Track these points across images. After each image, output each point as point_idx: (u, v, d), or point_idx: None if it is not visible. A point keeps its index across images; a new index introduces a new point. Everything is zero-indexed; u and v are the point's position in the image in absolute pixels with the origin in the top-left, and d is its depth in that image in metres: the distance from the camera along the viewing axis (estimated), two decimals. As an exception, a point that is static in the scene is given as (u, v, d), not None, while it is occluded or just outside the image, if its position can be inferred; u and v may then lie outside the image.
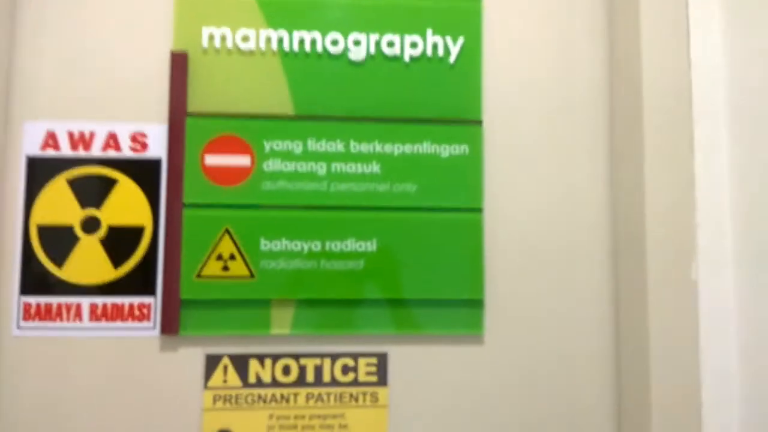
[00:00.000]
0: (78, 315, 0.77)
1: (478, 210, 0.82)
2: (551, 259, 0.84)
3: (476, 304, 0.82)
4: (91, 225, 0.78)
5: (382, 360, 0.81)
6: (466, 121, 0.83)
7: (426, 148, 0.82)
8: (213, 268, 0.79)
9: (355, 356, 0.81)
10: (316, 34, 0.82)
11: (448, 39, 0.84)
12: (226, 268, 0.79)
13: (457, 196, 0.82)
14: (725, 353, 0.74)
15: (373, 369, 0.81)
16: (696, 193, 0.76)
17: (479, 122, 0.83)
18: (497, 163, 0.84)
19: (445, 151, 0.83)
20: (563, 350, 0.83)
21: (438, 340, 0.82)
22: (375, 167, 0.82)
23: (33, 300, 0.78)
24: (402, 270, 0.81)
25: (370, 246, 0.81)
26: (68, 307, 0.77)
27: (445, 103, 0.83)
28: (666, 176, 0.76)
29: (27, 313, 0.77)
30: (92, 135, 0.80)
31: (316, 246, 0.80)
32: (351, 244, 0.81)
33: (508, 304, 0.83)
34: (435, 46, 0.83)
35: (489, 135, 0.84)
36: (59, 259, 0.78)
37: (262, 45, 0.82)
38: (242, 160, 0.80)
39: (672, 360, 0.75)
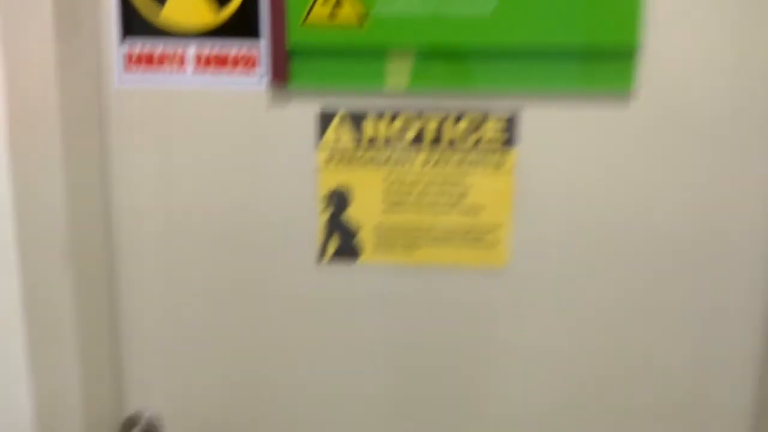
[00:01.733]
0: (182, 63, 0.72)
1: (639, -64, 0.66)
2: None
3: (627, 54, 0.68)
4: (185, -39, 0.70)
5: (511, 120, 0.72)
6: None
7: None
8: (320, 12, 0.69)
9: (482, 114, 0.72)
10: None
11: None
12: (334, 13, 0.69)
13: None
14: None
15: (501, 130, 0.72)
16: None
17: None
18: None
19: None
20: (726, 123, 0.70)
21: (578, 99, 0.70)
22: None
23: (135, 46, 0.72)
24: (538, 12, 0.68)
25: (502, -17, 0.68)
26: (172, 56, 0.72)
27: None
28: None
29: (129, 61, 0.73)
30: None
31: (437, -15, 0.68)
32: (479, -19, 0.68)
33: (669, 56, 0.69)
34: None
35: None
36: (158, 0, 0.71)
37: None
38: None
39: None
